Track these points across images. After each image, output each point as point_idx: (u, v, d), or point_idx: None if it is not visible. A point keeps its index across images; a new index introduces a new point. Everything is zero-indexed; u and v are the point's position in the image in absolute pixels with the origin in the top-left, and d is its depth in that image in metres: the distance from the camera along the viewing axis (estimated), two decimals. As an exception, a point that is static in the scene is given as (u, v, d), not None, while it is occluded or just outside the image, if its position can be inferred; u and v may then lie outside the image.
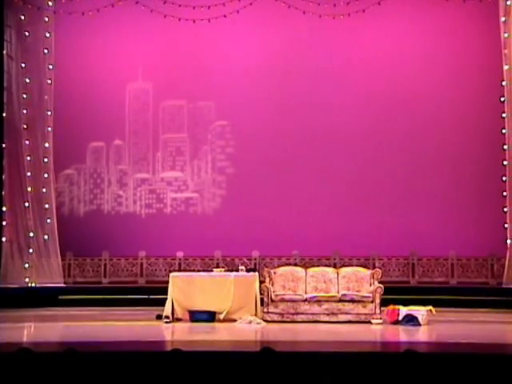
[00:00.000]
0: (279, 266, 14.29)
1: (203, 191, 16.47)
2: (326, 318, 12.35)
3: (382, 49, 16.08)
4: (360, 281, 12.84)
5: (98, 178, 16.57)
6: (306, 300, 12.51)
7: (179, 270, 15.50)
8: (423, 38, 16.02)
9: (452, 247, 15.71)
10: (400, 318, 11.99)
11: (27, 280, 15.51)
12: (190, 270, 15.34)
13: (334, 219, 15.89)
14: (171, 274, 13.16)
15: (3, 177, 15.65)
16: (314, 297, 12.50)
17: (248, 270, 13.29)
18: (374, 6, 15.50)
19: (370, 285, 12.71)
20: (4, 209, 15.60)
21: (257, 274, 13.03)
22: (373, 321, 12.27)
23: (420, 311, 11.99)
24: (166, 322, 12.36)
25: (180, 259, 16.11)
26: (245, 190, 16.22)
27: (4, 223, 15.58)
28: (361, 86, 15.99)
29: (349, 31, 16.05)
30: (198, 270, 15.04)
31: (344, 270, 13.20)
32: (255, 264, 15.54)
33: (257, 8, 15.79)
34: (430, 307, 12.10)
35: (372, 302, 12.39)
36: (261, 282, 12.78)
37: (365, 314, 12.36)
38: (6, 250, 15.56)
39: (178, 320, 12.58)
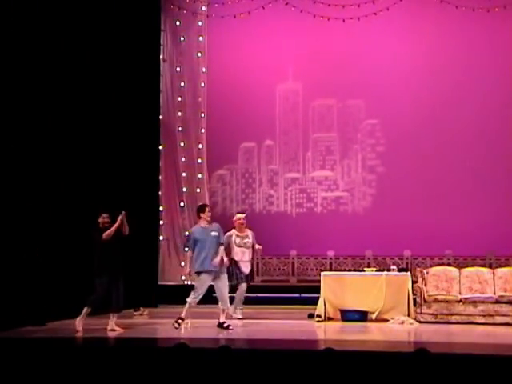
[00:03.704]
0: (431, 265, 14.04)
1: (353, 190, 16.39)
2: (482, 320, 12.01)
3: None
4: (518, 282, 12.40)
5: (249, 178, 16.83)
6: (460, 301, 12.21)
7: (330, 270, 15.48)
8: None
9: None
10: None
11: (183, 278, 15.97)
12: (341, 270, 15.30)
13: (490, 218, 15.36)
14: (322, 274, 13.20)
15: (160, 177, 16.23)
16: (469, 297, 12.19)
17: (400, 270, 13.16)
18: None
19: (530, 286, 12.26)
20: (161, 208, 16.19)
21: (409, 273, 12.88)
22: (532, 324, 11.82)
23: None
24: (318, 321, 12.42)
25: (331, 258, 16.10)
26: (395, 188, 16.00)
27: (161, 222, 16.18)
28: None
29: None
30: (349, 270, 15.01)
31: (500, 271, 12.78)
32: (407, 264, 15.34)
33: (407, 4, 15.59)
34: None
35: (532, 304, 11.94)
36: (413, 282, 12.60)
37: (524, 316, 11.92)
38: (163, 248, 16.15)
39: (330, 319, 12.61)
